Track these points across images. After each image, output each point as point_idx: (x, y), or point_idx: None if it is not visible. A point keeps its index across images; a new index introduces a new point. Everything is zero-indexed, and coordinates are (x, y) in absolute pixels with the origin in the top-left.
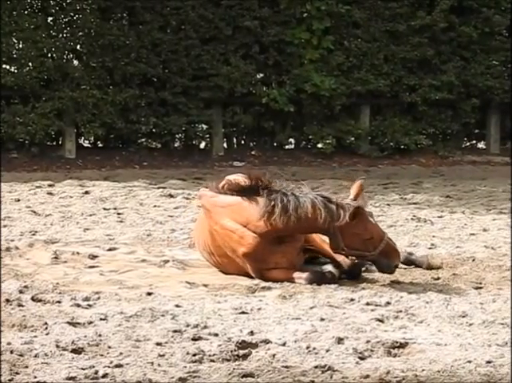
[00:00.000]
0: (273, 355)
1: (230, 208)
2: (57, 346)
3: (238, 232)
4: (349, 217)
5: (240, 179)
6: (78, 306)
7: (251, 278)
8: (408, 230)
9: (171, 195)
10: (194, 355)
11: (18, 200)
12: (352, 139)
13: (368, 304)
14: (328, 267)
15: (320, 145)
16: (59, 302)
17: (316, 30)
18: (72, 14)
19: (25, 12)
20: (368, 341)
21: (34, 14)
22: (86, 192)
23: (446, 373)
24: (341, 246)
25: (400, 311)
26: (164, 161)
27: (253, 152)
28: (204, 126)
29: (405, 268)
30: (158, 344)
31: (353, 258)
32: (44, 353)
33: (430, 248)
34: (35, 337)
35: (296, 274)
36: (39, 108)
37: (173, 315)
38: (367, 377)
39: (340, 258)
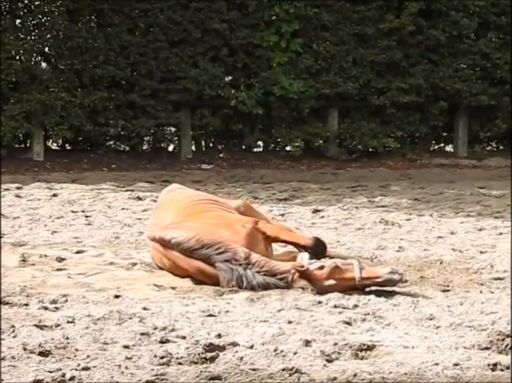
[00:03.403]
0: (241, 358)
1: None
2: (25, 349)
3: None
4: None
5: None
6: (45, 308)
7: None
8: (376, 233)
9: (139, 198)
10: (162, 358)
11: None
12: (321, 142)
13: (335, 307)
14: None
15: (288, 148)
16: (26, 304)
17: (284, 33)
18: (40, 17)
19: None
20: (335, 344)
21: (2, 16)
22: (54, 195)
23: (413, 376)
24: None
25: (368, 314)
26: (132, 164)
27: (221, 155)
28: (172, 129)
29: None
30: (125, 347)
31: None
32: (11, 356)
33: (397, 251)
34: (2, 339)
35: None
36: (7, 110)
37: (141, 318)
38: (334, 379)
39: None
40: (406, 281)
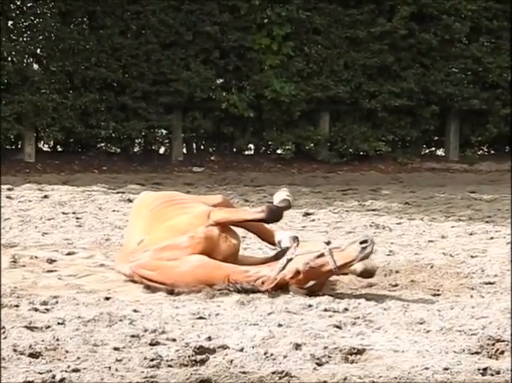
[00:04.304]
0: (231, 361)
1: None
2: (15, 350)
3: None
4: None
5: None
6: (36, 310)
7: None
8: None
9: (129, 200)
10: (152, 360)
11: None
12: (312, 145)
13: (325, 310)
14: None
15: (279, 151)
16: (17, 306)
17: (276, 36)
18: (32, 18)
19: None
20: (325, 348)
21: None
22: (45, 196)
23: (403, 380)
24: None
25: (358, 318)
26: (123, 166)
27: (212, 158)
28: (164, 131)
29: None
30: (115, 349)
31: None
32: (1, 357)
33: (388, 255)
34: None
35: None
36: None
37: (131, 320)
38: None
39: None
40: (396, 285)
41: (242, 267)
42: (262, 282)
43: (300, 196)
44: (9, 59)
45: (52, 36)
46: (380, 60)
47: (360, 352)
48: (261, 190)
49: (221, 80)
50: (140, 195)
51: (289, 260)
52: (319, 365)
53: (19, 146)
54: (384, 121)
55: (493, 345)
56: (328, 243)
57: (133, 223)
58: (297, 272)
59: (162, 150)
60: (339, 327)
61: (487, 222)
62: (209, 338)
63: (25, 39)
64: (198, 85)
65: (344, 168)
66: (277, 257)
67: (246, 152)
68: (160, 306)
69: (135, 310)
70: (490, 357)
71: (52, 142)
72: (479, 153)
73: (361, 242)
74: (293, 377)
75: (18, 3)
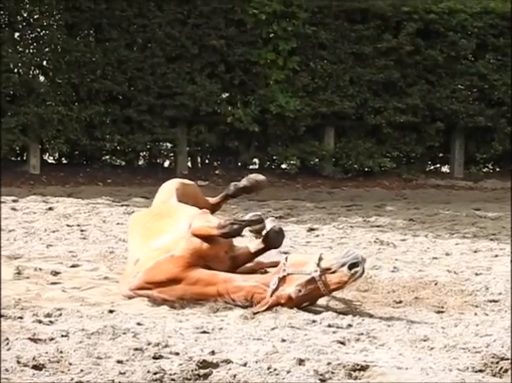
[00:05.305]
0: (234, 375)
1: None
2: (18, 362)
3: None
4: None
5: None
6: (40, 322)
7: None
8: (371, 253)
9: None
10: (155, 374)
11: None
12: (317, 160)
13: (329, 326)
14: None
15: (284, 166)
16: (21, 317)
17: (282, 51)
18: (38, 30)
19: None
20: (329, 363)
21: (1, 29)
22: (50, 208)
23: None
24: None
25: (362, 334)
26: (128, 179)
27: (217, 172)
28: (169, 144)
29: (366, 290)
30: (119, 362)
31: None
32: (5, 369)
33: (392, 271)
34: None
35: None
36: (4, 123)
37: (134, 333)
38: None
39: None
40: (400, 301)
41: (236, 281)
42: (256, 301)
43: (304, 211)
44: (16, 70)
45: (58, 48)
46: (386, 76)
47: (363, 368)
48: (266, 205)
49: (226, 95)
50: (132, 215)
51: (281, 279)
52: (322, 380)
53: (24, 158)
54: (389, 137)
55: (497, 363)
56: (319, 261)
57: (130, 242)
58: (290, 298)
59: (167, 163)
60: (343, 343)
61: (492, 239)
62: (212, 352)
63: (31, 51)
64: (203, 99)
65: (348, 184)
66: (266, 247)
67: (251, 167)
68: (164, 320)
69: (138, 323)
70: (494, 375)
71: (57, 154)
72: (484, 170)
73: (351, 266)
74: None
75: (25, 15)
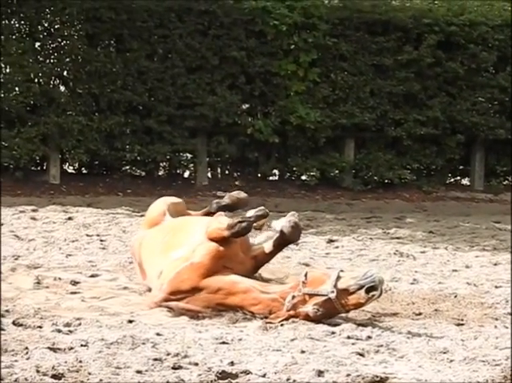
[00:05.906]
0: None
1: None
2: (38, 371)
3: None
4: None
5: None
6: (59, 331)
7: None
8: (391, 265)
9: None
10: None
11: (1, 224)
12: (336, 172)
13: (349, 337)
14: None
15: (304, 177)
16: (40, 327)
17: (302, 62)
18: (59, 40)
19: (13, 37)
20: (348, 375)
21: (22, 39)
22: (69, 218)
23: None
24: None
25: (381, 346)
26: (148, 189)
27: (236, 183)
28: (188, 155)
29: (385, 302)
30: (138, 372)
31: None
32: (24, 378)
33: (412, 283)
34: (15, 361)
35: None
36: (24, 132)
37: (154, 343)
38: None
39: None
40: (420, 314)
41: (254, 293)
42: (274, 315)
43: (324, 223)
44: (36, 80)
45: (78, 58)
46: (406, 88)
47: (382, 380)
48: (285, 216)
49: (246, 106)
50: (136, 236)
51: (294, 297)
52: None
53: (44, 167)
54: (409, 149)
55: None
56: (337, 280)
57: (146, 260)
58: (307, 315)
59: (186, 174)
60: (362, 355)
61: None
62: (231, 363)
63: (52, 61)
64: (223, 110)
65: (368, 196)
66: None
67: (271, 178)
68: (183, 330)
69: (158, 334)
70: None
71: (77, 164)
72: (504, 183)
73: (369, 289)
74: None
75: (46, 25)
